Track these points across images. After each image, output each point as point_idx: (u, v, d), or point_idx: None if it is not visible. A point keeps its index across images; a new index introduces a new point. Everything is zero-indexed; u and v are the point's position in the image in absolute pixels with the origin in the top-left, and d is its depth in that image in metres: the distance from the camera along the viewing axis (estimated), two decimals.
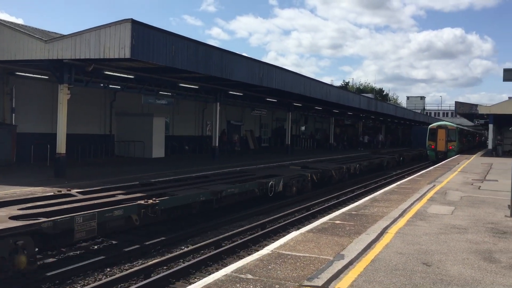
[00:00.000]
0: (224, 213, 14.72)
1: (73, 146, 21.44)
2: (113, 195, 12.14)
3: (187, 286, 7.67)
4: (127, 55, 14.08)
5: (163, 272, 9.04)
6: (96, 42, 14.59)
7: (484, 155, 41.61)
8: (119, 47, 14.12)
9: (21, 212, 9.30)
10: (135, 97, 26.28)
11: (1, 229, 7.76)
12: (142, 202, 11.14)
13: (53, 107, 19.93)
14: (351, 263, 6.92)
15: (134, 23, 14.13)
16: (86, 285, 8.30)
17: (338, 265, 6.76)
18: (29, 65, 18.39)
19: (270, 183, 16.81)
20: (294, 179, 18.86)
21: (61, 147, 16.73)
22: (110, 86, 20.95)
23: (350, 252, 7.49)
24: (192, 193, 13.17)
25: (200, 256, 10.13)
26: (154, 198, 11.50)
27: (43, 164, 20.16)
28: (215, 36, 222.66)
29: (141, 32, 14.49)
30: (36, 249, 8.47)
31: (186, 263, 9.56)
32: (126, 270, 9.19)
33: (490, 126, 42.06)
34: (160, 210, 11.54)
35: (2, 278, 7.71)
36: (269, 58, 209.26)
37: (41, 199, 10.99)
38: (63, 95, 16.46)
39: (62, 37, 15.80)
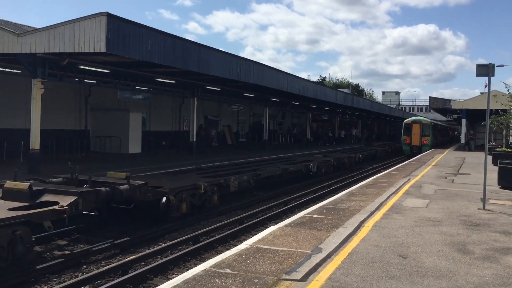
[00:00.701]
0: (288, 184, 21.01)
1: (48, 142, 21.03)
2: (226, 170, 19.08)
3: (166, 281, 7.63)
4: (103, 49, 13.86)
5: (140, 268, 8.97)
6: (71, 35, 14.32)
7: (457, 149, 42.50)
8: (94, 41, 13.90)
9: (201, 176, 16.02)
10: (111, 92, 25.92)
11: (208, 180, 14.55)
12: (255, 172, 18.11)
13: (26, 102, 19.49)
14: (329, 256, 6.99)
15: (110, 17, 13.91)
16: (62, 283, 8.17)
17: (316, 258, 6.83)
18: (1, 59, 17.94)
19: (310, 165, 22.96)
20: (323, 163, 24.75)
21: (35, 143, 16.40)
22: (85, 80, 20.61)
23: (328, 245, 7.57)
24: (274, 168, 20.23)
25: (178, 252, 10.09)
26: (259, 171, 18.43)
27: (16, 160, 19.71)
28: (192, 30, 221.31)
29: (116, 26, 14.27)
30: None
31: (164, 259, 9.50)
32: (103, 266, 9.08)
33: (463, 121, 42.93)
34: (261, 178, 18.33)
35: (209, 207, 14.24)
36: (246, 53, 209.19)
37: (193, 170, 18.24)
38: (37, 90, 16.13)
39: (35, 30, 15.46)
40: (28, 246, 8.39)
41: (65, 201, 9.74)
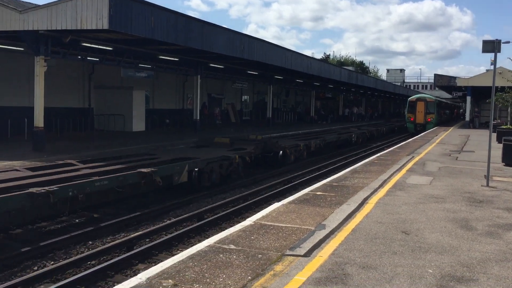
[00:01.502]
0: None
1: (52, 120, 21.06)
2: (299, 136, 26.49)
3: (170, 257, 7.72)
4: (105, 26, 13.74)
5: (145, 244, 9.08)
6: (73, 12, 14.19)
7: (461, 127, 42.34)
8: (97, 18, 13.77)
9: (294, 139, 24.11)
10: (114, 70, 25.78)
11: (303, 142, 22.48)
12: (323, 138, 25.60)
13: (29, 80, 19.46)
14: (332, 232, 7.05)
15: None
16: (69, 258, 8.29)
17: (320, 234, 6.88)
18: (3, 37, 17.83)
19: (353, 135, 30.73)
20: (360, 134, 32.46)
21: (39, 120, 16.42)
22: (88, 58, 20.49)
23: (331, 222, 7.62)
24: (332, 136, 27.80)
25: (183, 229, 10.19)
26: (325, 138, 25.93)
27: (21, 138, 19.81)
28: (195, 7, 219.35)
29: (119, 2, 14.11)
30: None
31: (169, 235, 9.61)
32: (109, 243, 9.20)
33: (468, 98, 42.64)
34: (326, 143, 25.40)
35: (301, 159, 21.47)
36: (249, 31, 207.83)
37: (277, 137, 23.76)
38: (40, 68, 16.07)
39: (37, 7, 15.31)
40: (240, 169, 16.47)
41: (249, 147, 18.10)
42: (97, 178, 10.82)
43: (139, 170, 11.89)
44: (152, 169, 12.02)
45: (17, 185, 9.52)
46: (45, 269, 7.67)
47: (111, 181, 11.02)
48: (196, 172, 13.80)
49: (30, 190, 8.99)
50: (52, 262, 8.14)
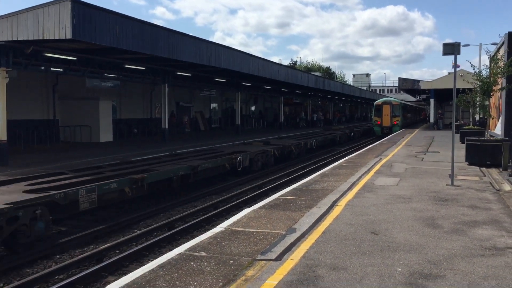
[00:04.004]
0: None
1: (15, 133, 20.50)
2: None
3: (141, 267, 7.60)
4: (68, 36, 13.52)
5: (115, 256, 8.92)
6: (35, 22, 13.91)
7: (426, 128, 43.39)
8: (59, 28, 13.54)
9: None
10: (79, 80, 25.32)
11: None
12: (358, 129, 44.98)
13: None
14: (303, 235, 7.09)
15: (74, 2, 13.55)
16: (35, 273, 8.07)
17: (291, 238, 6.92)
18: None
19: (336, 135, 37.75)
20: (357, 131, 42.58)
21: (2, 133, 15.96)
22: (51, 69, 20.02)
23: (302, 225, 7.68)
24: (342, 133, 37.52)
25: (153, 238, 10.06)
26: (335, 134, 36.02)
27: None
28: (160, 15, 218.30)
29: (82, 11, 13.93)
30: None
31: (139, 246, 9.47)
32: (77, 256, 9.00)
33: (432, 100, 43.76)
34: (360, 130, 45.24)
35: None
36: (216, 38, 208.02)
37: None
38: (1, 79, 15.64)
39: None
40: (347, 138, 38.43)
41: (346, 130, 39.62)
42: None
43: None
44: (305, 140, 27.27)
45: None
46: (11, 285, 7.43)
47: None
48: (338, 137, 32.31)
49: None
50: (18, 278, 7.90)
